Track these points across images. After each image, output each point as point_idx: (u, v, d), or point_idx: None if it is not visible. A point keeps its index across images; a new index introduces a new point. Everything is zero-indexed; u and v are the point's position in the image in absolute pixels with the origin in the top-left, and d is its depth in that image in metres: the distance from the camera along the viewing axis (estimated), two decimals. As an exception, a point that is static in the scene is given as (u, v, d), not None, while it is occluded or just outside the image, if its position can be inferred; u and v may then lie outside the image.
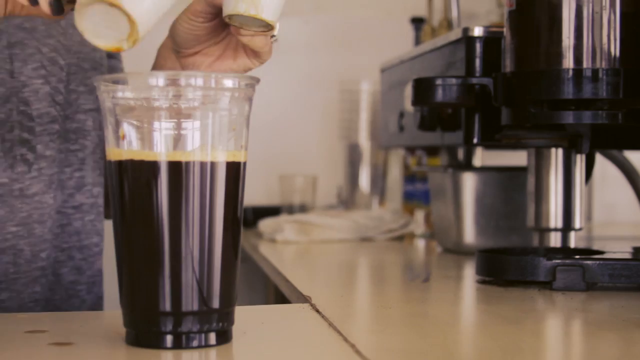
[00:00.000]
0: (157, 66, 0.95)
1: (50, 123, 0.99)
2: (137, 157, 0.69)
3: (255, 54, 0.89)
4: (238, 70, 0.91)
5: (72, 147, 1.02)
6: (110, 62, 1.10)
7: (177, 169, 0.68)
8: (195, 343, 0.70)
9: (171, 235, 0.68)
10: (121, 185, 0.70)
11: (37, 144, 0.98)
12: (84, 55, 1.04)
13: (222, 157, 0.70)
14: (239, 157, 0.71)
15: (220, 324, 0.71)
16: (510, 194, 1.33)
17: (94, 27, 0.76)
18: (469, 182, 1.33)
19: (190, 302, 0.69)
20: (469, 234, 1.33)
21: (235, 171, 0.71)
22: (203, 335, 0.70)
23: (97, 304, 1.07)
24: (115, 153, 0.70)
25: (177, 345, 0.70)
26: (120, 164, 0.70)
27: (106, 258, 1.20)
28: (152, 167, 0.68)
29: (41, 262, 0.99)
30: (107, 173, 0.72)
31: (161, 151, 0.69)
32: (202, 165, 0.69)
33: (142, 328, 0.70)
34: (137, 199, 0.69)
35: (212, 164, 0.69)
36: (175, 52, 0.92)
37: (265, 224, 1.63)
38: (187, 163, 0.69)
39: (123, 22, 0.75)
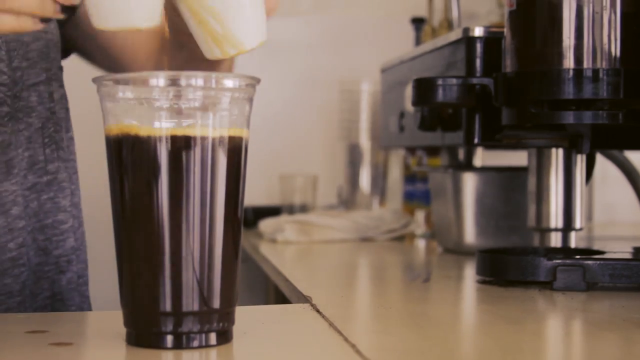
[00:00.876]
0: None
1: None
2: (136, 133, 0.69)
3: None
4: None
5: (20, 127, 0.98)
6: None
7: (178, 147, 0.68)
8: (195, 343, 0.70)
9: (171, 234, 0.68)
10: (121, 181, 0.70)
11: None
12: None
13: (224, 133, 0.70)
14: (241, 138, 0.71)
15: (221, 324, 0.71)
16: (510, 194, 1.33)
17: None
18: (469, 182, 1.33)
19: (191, 302, 0.69)
20: (470, 234, 1.33)
21: (237, 150, 0.70)
22: (203, 335, 0.70)
23: (77, 283, 1.03)
24: (113, 129, 0.70)
25: (178, 345, 0.69)
26: (120, 141, 0.69)
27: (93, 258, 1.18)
28: (152, 143, 0.68)
29: (10, 253, 0.96)
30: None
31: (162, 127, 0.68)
32: (203, 141, 0.69)
33: (143, 328, 0.70)
34: (136, 195, 0.69)
35: (214, 141, 0.69)
36: None
37: (266, 224, 1.63)
38: (188, 138, 0.68)
39: None
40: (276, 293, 1.74)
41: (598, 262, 0.98)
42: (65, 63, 1.08)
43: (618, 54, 0.99)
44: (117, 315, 0.74)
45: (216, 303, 0.70)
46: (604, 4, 1.00)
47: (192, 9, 0.77)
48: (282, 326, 0.82)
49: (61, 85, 1.04)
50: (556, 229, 1.15)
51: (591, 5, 1.00)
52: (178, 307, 0.69)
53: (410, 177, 1.81)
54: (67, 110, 1.05)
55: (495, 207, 1.33)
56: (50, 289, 1.01)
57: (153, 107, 0.68)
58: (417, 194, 1.78)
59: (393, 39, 2.03)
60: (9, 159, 0.97)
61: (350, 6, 2.21)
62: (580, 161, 1.15)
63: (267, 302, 2.00)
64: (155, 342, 0.70)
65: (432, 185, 1.46)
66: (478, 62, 1.18)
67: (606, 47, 0.99)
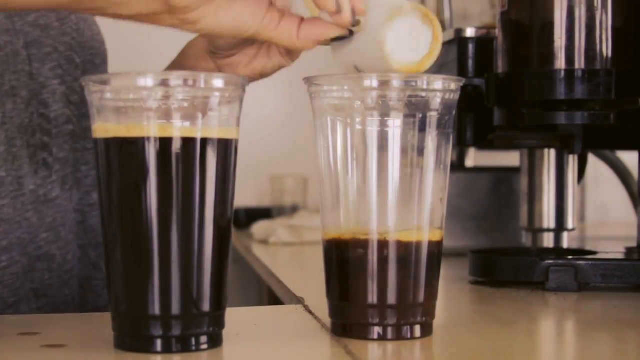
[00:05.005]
0: (186, 67, 0.94)
1: (65, 124, 0.99)
2: (124, 134, 0.68)
3: (288, 52, 0.90)
4: (272, 68, 0.92)
5: (88, 145, 1.02)
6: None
7: (166, 148, 0.68)
8: (185, 347, 0.69)
9: (160, 237, 0.68)
10: (109, 182, 0.70)
11: (54, 147, 0.98)
12: (95, 51, 1.03)
13: (214, 134, 0.69)
14: (231, 139, 0.71)
15: (211, 328, 0.70)
16: (477, 194, 1.34)
17: (394, 45, 0.74)
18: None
19: (180, 305, 0.69)
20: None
21: (227, 151, 0.70)
22: (193, 339, 0.69)
23: None
24: (100, 130, 0.70)
25: (167, 349, 0.69)
26: (107, 142, 0.69)
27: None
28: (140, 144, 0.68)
29: (69, 265, 1.00)
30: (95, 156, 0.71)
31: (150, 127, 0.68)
32: (192, 142, 0.68)
33: (131, 332, 0.70)
34: (124, 197, 0.69)
35: (203, 141, 0.69)
36: (211, 53, 0.91)
37: (259, 227, 1.63)
38: (177, 139, 0.68)
39: (424, 41, 0.74)
40: (269, 294, 1.74)
41: (590, 262, 0.98)
42: None
43: (610, 54, 0.99)
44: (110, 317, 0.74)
45: (206, 306, 0.69)
46: (596, 4, 1.00)
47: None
48: (275, 327, 0.81)
49: None
50: (548, 230, 1.15)
51: (583, 5, 0.99)
52: (167, 311, 0.68)
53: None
54: None
55: (462, 208, 1.33)
56: (94, 302, 1.04)
57: (141, 108, 0.68)
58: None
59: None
60: (66, 174, 1.00)
61: (343, 7, 2.20)
62: (572, 161, 1.15)
63: (259, 304, 1.99)
64: (144, 346, 0.69)
65: None
66: (470, 62, 1.17)
67: (598, 47, 0.99)
